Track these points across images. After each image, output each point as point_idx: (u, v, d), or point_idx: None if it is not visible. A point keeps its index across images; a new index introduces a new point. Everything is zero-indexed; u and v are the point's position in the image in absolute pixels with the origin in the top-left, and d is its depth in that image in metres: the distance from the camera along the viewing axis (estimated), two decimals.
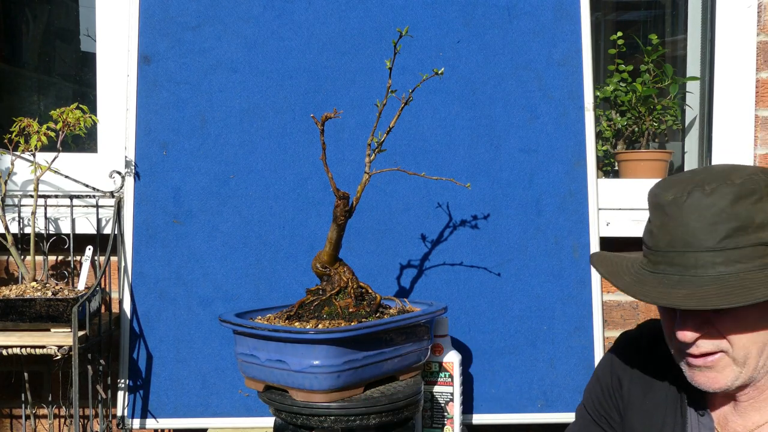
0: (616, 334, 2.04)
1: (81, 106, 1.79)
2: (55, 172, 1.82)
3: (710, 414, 1.21)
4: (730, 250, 1.06)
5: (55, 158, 1.77)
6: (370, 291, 1.53)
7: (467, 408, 1.84)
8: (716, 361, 1.11)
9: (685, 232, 1.08)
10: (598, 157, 2.07)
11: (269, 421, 1.78)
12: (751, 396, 1.16)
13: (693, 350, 1.11)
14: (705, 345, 1.11)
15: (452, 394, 1.70)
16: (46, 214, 1.91)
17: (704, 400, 1.22)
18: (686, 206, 1.08)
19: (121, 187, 1.89)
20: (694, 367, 1.14)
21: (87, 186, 1.92)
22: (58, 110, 1.76)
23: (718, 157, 2.06)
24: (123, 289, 1.85)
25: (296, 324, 1.42)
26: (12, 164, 1.80)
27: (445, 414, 1.71)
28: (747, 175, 1.08)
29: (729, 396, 1.19)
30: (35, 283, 1.75)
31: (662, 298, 1.07)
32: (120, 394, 1.83)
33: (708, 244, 1.06)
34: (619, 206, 2.07)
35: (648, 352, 1.31)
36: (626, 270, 1.18)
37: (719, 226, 1.06)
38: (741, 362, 1.10)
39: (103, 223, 1.92)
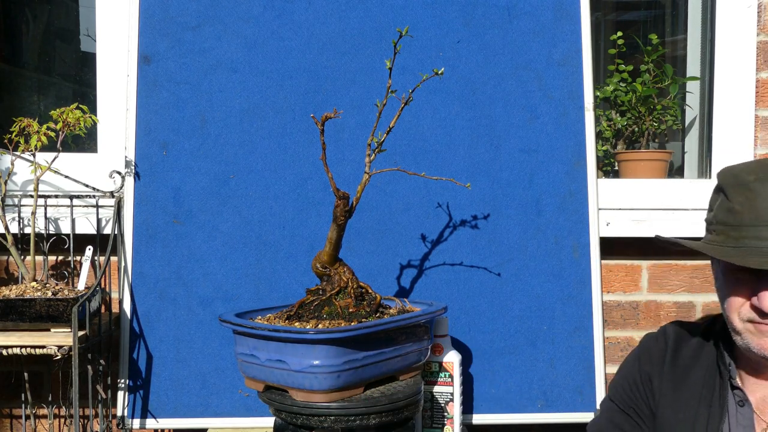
0: (616, 334, 2.04)
1: (81, 106, 1.79)
2: (55, 172, 1.82)
3: (749, 402, 1.26)
4: None
5: (55, 158, 1.77)
6: (370, 291, 1.53)
7: (467, 408, 1.84)
8: None
9: None
10: (598, 157, 2.07)
11: (269, 421, 1.78)
12: None
13: None
14: None
15: (452, 394, 1.70)
16: (46, 214, 1.91)
17: (743, 388, 1.27)
18: None
19: (121, 187, 1.89)
20: (765, 333, 1.19)
21: (87, 186, 1.92)
22: (58, 110, 1.76)
23: (718, 157, 2.06)
24: (123, 289, 1.85)
25: (296, 324, 1.42)
26: (12, 164, 1.80)
27: (445, 414, 1.71)
28: None
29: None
30: (35, 283, 1.75)
31: None
32: (120, 394, 1.83)
33: None
34: (619, 206, 2.07)
35: (675, 350, 1.37)
36: (704, 248, 1.25)
37: None
38: None
39: (103, 223, 1.92)
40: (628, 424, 1.40)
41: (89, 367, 1.75)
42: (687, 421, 1.30)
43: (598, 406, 1.82)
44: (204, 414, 1.83)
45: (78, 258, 1.92)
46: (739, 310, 1.22)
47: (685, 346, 1.36)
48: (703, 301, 2.05)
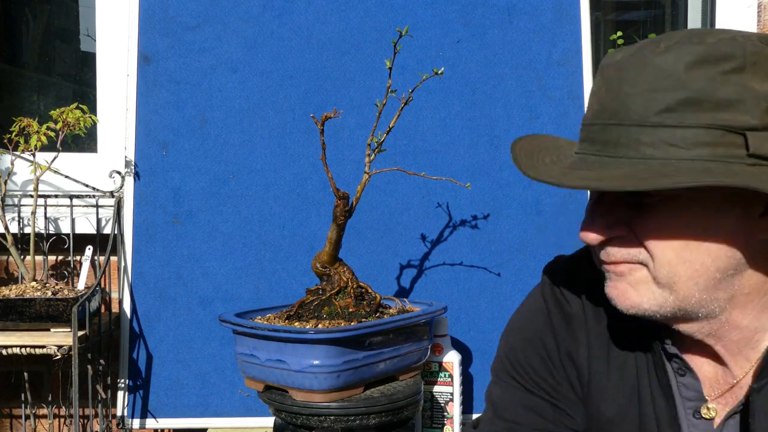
0: None
1: (81, 106, 1.79)
2: (55, 172, 1.82)
3: (693, 372, 0.90)
4: (668, 128, 0.76)
5: (55, 158, 1.77)
6: (370, 291, 1.53)
7: (467, 408, 1.84)
8: (629, 270, 0.83)
9: (614, 99, 0.80)
10: None
11: (269, 421, 1.78)
12: (720, 335, 0.86)
13: (603, 257, 0.85)
14: (616, 252, 0.83)
15: (452, 394, 1.70)
16: (46, 214, 1.91)
17: (682, 358, 0.90)
18: (626, 67, 0.80)
19: (121, 187, 1.89)
20: (608, 277, 0.87)
21: (87, 186, 1.92)
22: (58, 110, 1.76)
23: None
24: (123, 289, 1.85)
25: (296, 324, 1.42)
26: (12, 164, 1.80)
27: (445, 414, 1.71)
28: (729, 38, 0.78)
29: (701, 346, 0.89)
30: (35, 283, 1.75)
31: (554, 177, 0.81)
32: (120, 394, 1.83)
33: (637, 116, 0.77)
34: None
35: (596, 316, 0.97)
36: (554, 151, 0.92)
37: (659, 94, 0.76)
38: (664, 283, 0.81)
39: (103, 223, 1.92)
40: (548, 409, 1.00)
41: (89, 367, 1.75)
42: (625, 397, 0.93)
43: None
44: (204, 414, 1.83)
45: (78, 258, 1.92)
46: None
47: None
48: None
